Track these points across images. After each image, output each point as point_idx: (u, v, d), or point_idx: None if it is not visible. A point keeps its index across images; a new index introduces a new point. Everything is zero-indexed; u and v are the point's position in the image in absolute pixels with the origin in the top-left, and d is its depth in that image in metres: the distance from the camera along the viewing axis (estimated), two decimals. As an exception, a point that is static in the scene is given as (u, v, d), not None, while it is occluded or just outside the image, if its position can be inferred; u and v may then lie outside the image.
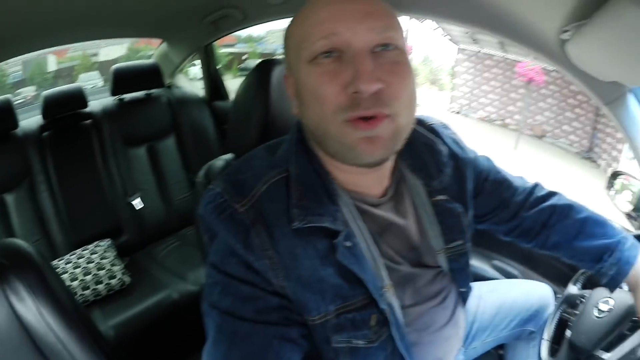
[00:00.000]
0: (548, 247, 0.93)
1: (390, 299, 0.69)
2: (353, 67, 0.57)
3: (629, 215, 1.17)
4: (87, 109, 2.16)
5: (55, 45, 2.00)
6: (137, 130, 2.25)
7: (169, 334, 1.68)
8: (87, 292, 1.71)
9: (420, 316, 0.74)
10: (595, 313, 0.89)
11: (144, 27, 2.17)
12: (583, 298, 0.97)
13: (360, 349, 0.67)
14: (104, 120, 2.17)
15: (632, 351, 0.80)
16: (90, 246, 1.90)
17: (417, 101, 0.64)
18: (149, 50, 2.83)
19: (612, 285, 0.84)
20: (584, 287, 1.02)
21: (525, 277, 1.43)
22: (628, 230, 1.11)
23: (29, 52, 1.82)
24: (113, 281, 1.77)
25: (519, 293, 1.13)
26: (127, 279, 1.82)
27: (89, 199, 2.04)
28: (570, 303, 1.01)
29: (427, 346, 0.76)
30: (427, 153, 0.78)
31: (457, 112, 13.26)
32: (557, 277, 1.32)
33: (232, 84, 2.50)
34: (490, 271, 1.52)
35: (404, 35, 0.66)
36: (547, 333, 0.99)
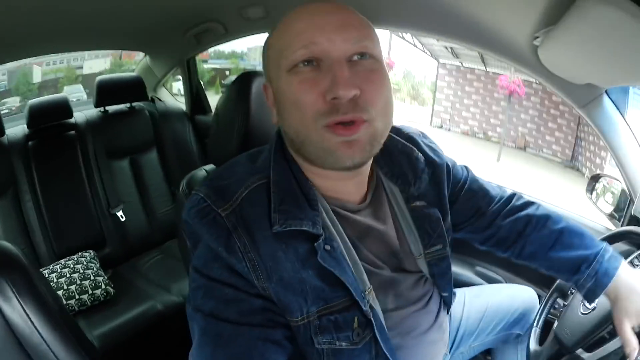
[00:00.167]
0: (524, 256, 0.93)
1: (372, 301, 0.69)
2: (331, 75, 0.60)
3: (611, 216, 1.20)
4: (72, 120, 2.16)
5: (38, 55, 2.04)
6: (120, 143, 2.25)
7: (154, 344, 1.65)
8: (71, 301, 1.68)
9: (403, 320, 0.75)
10: (581, 309, 0.90)
11: (127, 40, 2.18)
12: (574, 289, 0.98)
13: (343, 350, 0.67)
14: (87, 132, 2.16)
15: (610, 356, 0.81)
16: (74, 257, 1.88)
17: (393, 108, 0.67)
18: (132, 64, 2.82)
19: (590, 297, 0.83)
20: None
21: (508, 282, 1.45)
22: (609, 229, 1.13)
23: (12, 60, 1.85)
24: (97, 291, 1.75)
25: (503, 297, 1.14)
26: (111, 290, 1.80)
27: (73, 209, 2.03)
28: (562, 292, 1.02)
29: (412, 350, 0.76)
30: (404, 161, 0.80)
31: (440, 127, 13.43)
32: (541, 281, 1.33)
33: (215, 100, 2.52)
34: (474, 278, 1.53)
35: (383, 49, 0.68)
36: (538, 321, 1.01)
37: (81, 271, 1.78)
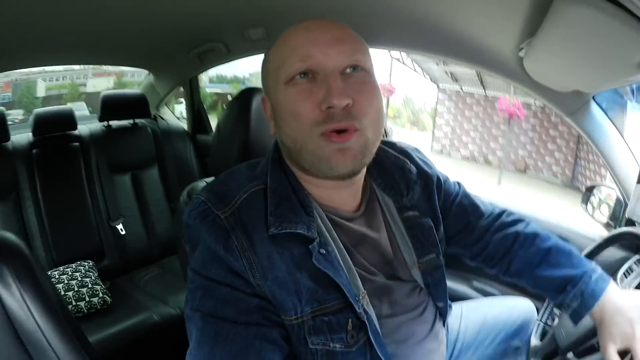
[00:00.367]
0: (511, 273, 0.93)
1: (367, 306, 0.70)
2: (326, 86, 0.64)
3: (607, 225, 1.20)
4: (76, 132, 2.21)
5: (43, 65, 2.08)
6: (122, 158, 2.29)
7: (148, 354, 1.64)
8: (68, 307, 1.66)
9: (398, 327, 0.76)
10: None
11: (131, 57, 2.24)
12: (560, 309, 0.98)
13: (337, 352, 0.67)
14: (91, 144, 2.21)
15: None
16: (73, 265, 1.90)
17: (383, 119, 0.71)
18: (135, 85, 2.88)
19: (575, 318, 0.82)
20: None
21: (506, 295, 1.44)
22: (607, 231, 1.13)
23: (17, 68, 1.93)
24: (95, 299, 1.75)
25: (501, 309, 1.13)
26: (108, 298, 1.80)
27: (74, 219, 2.06)
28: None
29: (407, 359, 0.76)
30: (397, 172, 0.83)
31: (440, 152, 13.51)
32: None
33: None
34: (471, 292, 1.53)
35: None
36: (543, 317, 1.02)
37: (79, 279, 1.78)
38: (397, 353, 0.74)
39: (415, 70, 14.00)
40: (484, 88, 12.15)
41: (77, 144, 2.18)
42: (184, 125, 2.70)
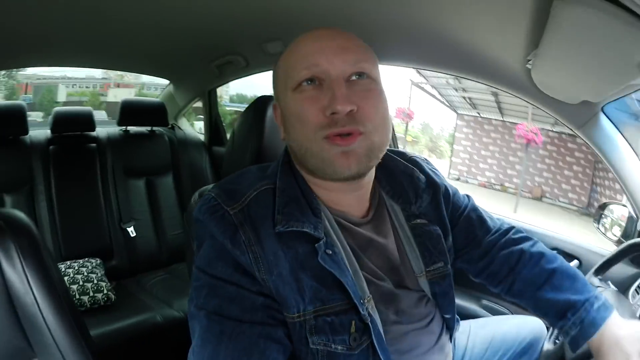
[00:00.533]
0: (513, 293, 0.91)
1: (371, 310, 0.70)
2: (331, 93, 0.66)
3: (618, 241, 1.18)
4: (94, 133, 2.27)
5: (64, 65, 2.15)
6: (138, 162, 2.34)
7: (148, 354, 1.63)
8: (71, 296, 1.67)
9: (403, 337, 0.75)
10: None
11: (152, 65, 2.32)
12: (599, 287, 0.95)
13: (338, 354, 0.67)
14: (108, 147, 2.27)
15: None
16: (81, 260, 1.92)
17: (390, 124, 0.73)
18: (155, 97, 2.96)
19: (573, 346, 0.79)
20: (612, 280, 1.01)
21: (516, 314, 1.41)
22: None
23: (38, 66, 1.99)
24: (99, 295, 1.77)
25: (510, 327, 1.10)
26: (112, 296, 1.82)
27: (85, 217, 2.09)
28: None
29: None
30: (406, 180, 0.84)
31: (457, 179, 13.41)
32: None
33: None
34: (480, 311, 1.51)
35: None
36: (551, 337, 1.00)
37: (85, 273, 1.80)
38: None
39: (434, 97, 14.06)
40: (501, 114, 12.13)
41: (94, 145, 2.24)
42: (202, 137, 2.75)
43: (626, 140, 1.06)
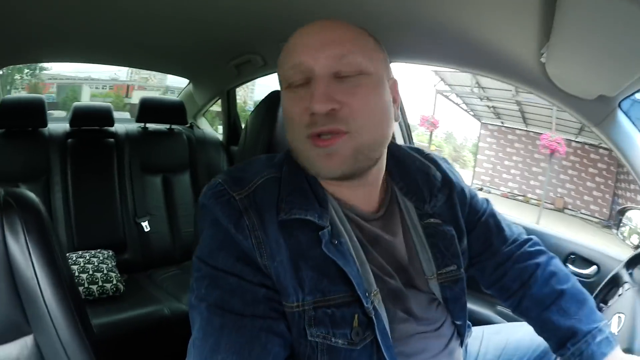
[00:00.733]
0: (521, 310, 0.88)
1: (378, 304, 0.68)
2: (312, 91, 0.64)
3: (636, 247, 1.15)
4: (112, 129, 2.32)
5: (86, 61, 2.26)
6: (155, 159, 2.37)
7: (154, 345, 1.64)
8: (79, 289, 1.68)
9: (410, 338, 0.72)
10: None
11: (172, 64, 2.37)
12: (624, 286, 0.94)
13: (339, 349, 0.65)
14: (126, 143, 2.31)
15: None
16: (92, 251, 1.94)
17: (384, 121, 0.69)
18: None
19: None
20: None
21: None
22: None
23: (60, 61, 2.10)
24: (107, 285, 1.79)
25: (524, 334, 1.05)
26: (121, 287, 1.84)
27: (99, 209, 2.13)
28: (616, 282, 0.99)
29: None
30: (421, 178, 0.81)
31: (480, 189, 13.26)
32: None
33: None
34: (495, 317, 1.47)
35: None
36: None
37: (95, 264, 1.83)
38: None
39: (458, 105, 13.96)
40: (525, 124, 11.99)
41: (112, 140, 2.28)
42: (220, 137, 2.78)
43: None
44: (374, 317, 0.65)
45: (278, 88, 0.76)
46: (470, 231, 0.88)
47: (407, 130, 1.80)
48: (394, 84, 0.75)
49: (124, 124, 2.47)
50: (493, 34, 1.07)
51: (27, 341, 0.75)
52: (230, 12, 1.48)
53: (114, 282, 1.81)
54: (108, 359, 0.86)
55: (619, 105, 1.01)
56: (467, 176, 14.01)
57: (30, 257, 0.74)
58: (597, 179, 10.45)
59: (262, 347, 0.59)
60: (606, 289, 1.03)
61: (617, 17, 0.66)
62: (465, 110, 14.01)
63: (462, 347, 0.82)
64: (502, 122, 12.82)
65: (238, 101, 2.83)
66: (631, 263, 1.01)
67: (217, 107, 2.78)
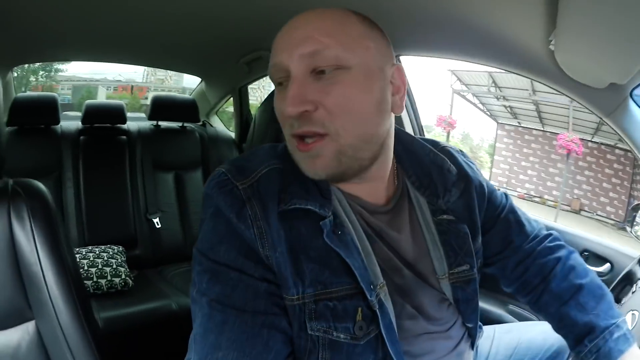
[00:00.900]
0: (540, 306, 0.85)
1: (384, 298, 0.66)
2: (286, 92, 0.62)
3: None
4: (125, 126, 2.35)
5: (96, 60, 2.31)
6: (167, 157, 2.39)
7: (160, 340, 1.64)
8: (88, 282, 1.74)
9: (417, 337, 0.70)
10: None
11: (184, 63, 2.40)
12: (637, 283, 0.93)
13: (342, 344, 0.63)
14: (138, 140, 2.33)
15: None
16: (103, 246, 1.96)
17: (371, 117, 0.65)
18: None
19: None
20: None
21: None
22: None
23: (72, 60, 2.09)
24: (116, 280, 1.80)
25: (536, 333, 1.03)
26: (130, 281, 1.85)
27: (111, 206, 2.16)
28: (629, 280, 0.97)
29: None
30: (435, 171, 0.77)
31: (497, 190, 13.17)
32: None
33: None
34: (506, 316, 1.44)
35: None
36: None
37: (105, 258, 1.84)
38: None
39: (475, 105, 13.84)
40: (542, 124, 11.84)
41: (124, 137, 2.32)
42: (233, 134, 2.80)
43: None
44: (378, 310, 0.63)
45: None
46: (490, 228, 0.86)
47: (417, 121, 1.77)
48: (396, 72, 0.69)
49: (137, 122, 2.50)
50: (500, 22, 1.05)
51: (28, 327, 0.76)
52: (239, 8, 1.48)
53: (123, 276, 1.83)
54: (115, 352, 0.87)
55: (631, 95, 0.99)
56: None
57: (35, 243, 0.75)
58: (614, 179, 10.31)
59: (263, 344, 0.59)
60: (619, 286, 1.01)
61: None
62: (482, 110, 13.88)
63: (473, 349, 0.79)
64: (519, 122, 12.69)
65: (255, 102, 2.85)
66: None
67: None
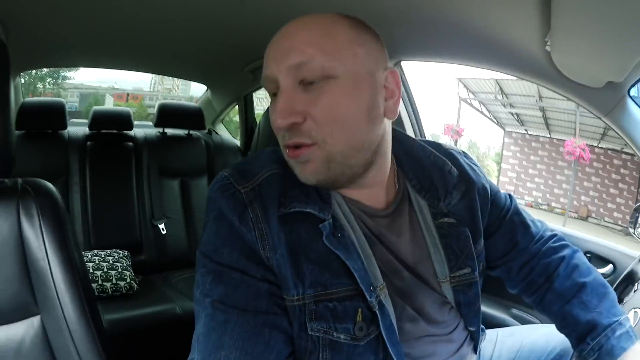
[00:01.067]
0: (544, 304, 0.85)
1: (384, 299, 0.66)
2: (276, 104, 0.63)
3: None
4: (131, 133, 2.38)
5: (104, 67, 2.34)
6: (173, 164, 2.42)
7: (164, 344, 1.64)
8: (93, 285, 1.74)
9: (418, 340, 0.70)
10: None
11: (189, 70, 2.43)
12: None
13: (342, 344, 0.64)
14: (144, 147, 2.36)
15: None
16: (108, 250, 1.98)
17: (361, 124, 0.65)
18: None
19: None
20: None
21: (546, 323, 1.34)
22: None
23: (79, 67, 2.12)
24: (121, 283, 1.82)
25: (539, 336, 1.02)
26: (135, 285, 1.86)
27: (117, 210, 2.18)
28: (631, 279, 0.97)
29: None
30: (435, 174, 0.78)
31: (505, 198, 13.11)
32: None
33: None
34: (510, 320, 1.44)
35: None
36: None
37: (110, 262, 1.86)
38: None
39: (482, 113, 13.80)
40: (549, 131, 11.78)
41: (130, 144, 2.35)
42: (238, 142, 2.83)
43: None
44: (378, 311, 0.64)
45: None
46: (495, 231, 0.86)
47: (417, 123, 1.78)
48: (389, 76, 0.68)
49: (143, 129, 2.53)
50: (496, 25, 1.06)
51: (33, 322, 0.77)
52: (243, 17, 1.50)
53: (128, 280, 1.84)
54: (118, 355, 0.88)
55: (628, 93, 0.99)
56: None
57: (43, 239, 0.76)
58: (621, 185, 10.21)
59: (265, 343, 0.59)
60: (622, 286, 1.01)
61: None
62: (489, 118, 13.84)
63: (475, 352, 0.79)
64: (526, 130, 12.63)
65: (262, 112, 2.87)
66: None
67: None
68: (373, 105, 0.65)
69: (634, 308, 0.87)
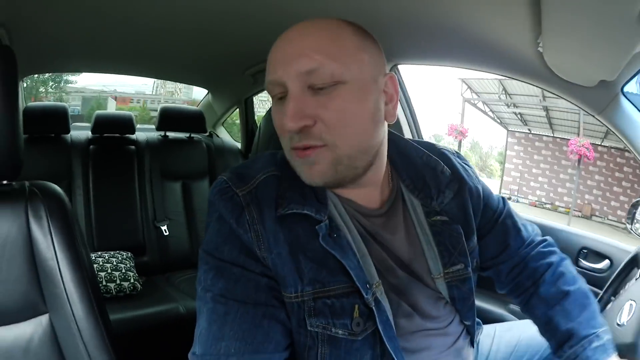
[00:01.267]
0: (528, 308, 0.87)
1: (380, 296, 0.68)
2: (285, 108, 0.63)
3: None
4: (133, 136, 2.41)
5: (104, 71, 2.35)
6: (175, 166, 2.44)
7: (168, 343, 1.64)
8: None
9: (413, 334, 0.72)
10: (617, 319, 0.85)
11: (190, 75, 2.45)
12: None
13: (340, 339, 0.66)
14: (146, 150, 2.39)
15: None
16: (112, 252, 2.00)
17: (367, 128, 0.67)
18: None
19: None
20: None
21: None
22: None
23: (80, 72, 2.12)
24: (125, 284, 1.83)
25: (536, 331, 1.03)
26: (138, 285, 1.88)
27: (120, 212, 2.20)
28: (630, 268, 0.98)
29: None
30: (428, 173, 0.79)
31: (509, 198, 12.93)
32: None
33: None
34: (507, 315, 1.45)
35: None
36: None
37: (114, 263, 1.88)
38: None
39: (485, 113, 13.76)
40: (552, 130, 11.75)
41: (133, 147, 2.37)
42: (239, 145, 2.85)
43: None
44: (374, 308, 0.66)
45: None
46: (487, 232, 0.88)
47: (414, 124, 1.79)
48: (388, 81, 0.70)
49: (145, 132, 2.55)
50: (489, 28, 1.07)
51: (42, 320, 0.78)
52: (244, 21, 1.51)
53: (132, 280, 1.86)
54: (123, 354, 0.89)
55: (622, 91, 1.00)
56: (495, 186, 13.73)
57: (52, 239, 0.78)
58: (624, 183, 10.19)
59: (264, 334, 0.62)
60: (619, 278, 1.01)
61: None
62: (492, 118, 13.81)
63: (473, 346, 0.81)
64: (530, 129, 12.60)
65: (263, 114, 2.88)
66: None
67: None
68: (376, 110, 0.67)
69: (630, 300, 0.88)
